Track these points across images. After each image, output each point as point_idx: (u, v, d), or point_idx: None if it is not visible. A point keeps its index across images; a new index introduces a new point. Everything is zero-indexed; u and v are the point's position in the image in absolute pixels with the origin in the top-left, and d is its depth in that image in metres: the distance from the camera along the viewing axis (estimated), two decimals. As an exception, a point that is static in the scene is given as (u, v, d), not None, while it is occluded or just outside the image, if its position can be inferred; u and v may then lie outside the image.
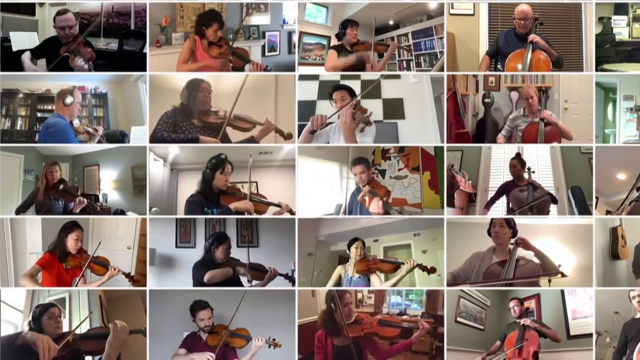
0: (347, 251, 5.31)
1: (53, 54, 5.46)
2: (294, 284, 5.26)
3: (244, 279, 5.18)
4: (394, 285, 5.12)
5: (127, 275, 5.14)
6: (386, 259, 5.25)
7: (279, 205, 5.14)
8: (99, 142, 5.47)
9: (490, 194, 5.89)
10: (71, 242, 5.07)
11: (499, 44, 5.76)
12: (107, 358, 4.33)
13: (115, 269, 5.08)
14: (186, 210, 5.05)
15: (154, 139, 5.07)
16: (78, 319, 5.30)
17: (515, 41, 5.66)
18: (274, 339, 4.95)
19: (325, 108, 5.64)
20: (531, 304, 5.54)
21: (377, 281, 5.19)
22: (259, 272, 5.17)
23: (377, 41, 5.87)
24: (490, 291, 5.70)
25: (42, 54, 5.53)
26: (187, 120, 5.14)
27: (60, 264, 5.06)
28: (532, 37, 5.52)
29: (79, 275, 5.08)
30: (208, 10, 5.75)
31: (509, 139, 5.75)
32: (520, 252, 4.91)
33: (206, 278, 4.97)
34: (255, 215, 5.08)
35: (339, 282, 5.36)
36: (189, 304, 5.11)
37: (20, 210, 5.48)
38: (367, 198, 5.19)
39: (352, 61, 5.79)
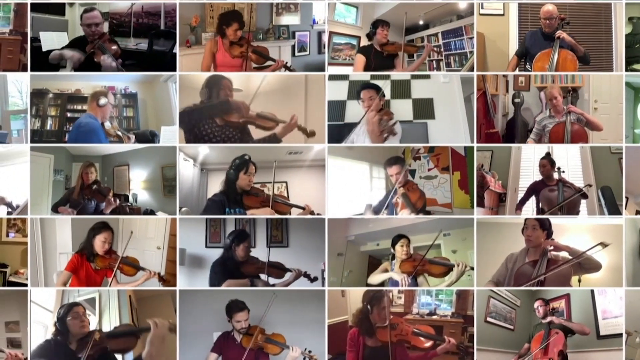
0: (392, 250, 5.24)
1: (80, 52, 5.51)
2: (311, 282, 5.24)
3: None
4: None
5: (157, 274, 5.12)
6: (436, 260, 5.08)
7: (302, 208, 5.12)
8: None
9: (520, 194, 5.88)
10: (98, 244, 5.04)
11: (526, 45, 5.76)
12: (148, 356, 4.38)
13: (152, 273, 5.04)
14: (204, 210, 5.08)
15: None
16: (108, 319, 5.34)
17: (542, 41, 5.65)
18: (309, 351, 4.84)
19: (355, 108, 5.66)
20: (561, 304, 5.53)
21: (425, 285, 5.15)
22: (278, 270, 5.21)
23: (407, 42, 5.86)
24: (520, 291, 5.68)
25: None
26: (209, 120, 5.12)
27: (89, 263, 5.06)
28: (559, 32, 5.51)
29: (110, 276, 5.09)
30: (229, 10, 5.76)
31: (538, 141, 5.73)
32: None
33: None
34: (283, 216, 5.10)
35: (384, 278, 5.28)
36: (218, 304, 5.09)
37: (58, 205, 5.48)
38: (400, 202, 5.20)
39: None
